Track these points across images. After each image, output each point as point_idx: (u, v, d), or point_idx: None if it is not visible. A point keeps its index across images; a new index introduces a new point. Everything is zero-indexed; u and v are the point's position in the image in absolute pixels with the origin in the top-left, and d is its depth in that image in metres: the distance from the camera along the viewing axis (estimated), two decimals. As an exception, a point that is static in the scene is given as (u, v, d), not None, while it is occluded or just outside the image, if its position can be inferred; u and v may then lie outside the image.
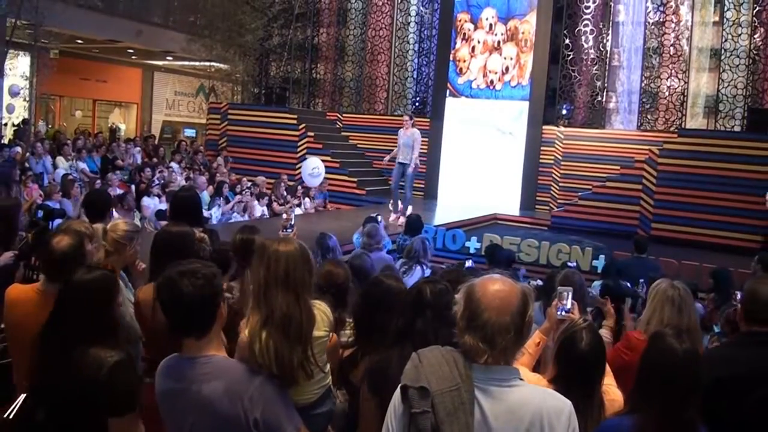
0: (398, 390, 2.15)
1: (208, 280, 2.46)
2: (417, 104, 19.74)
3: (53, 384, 2.69)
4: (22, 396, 2.91)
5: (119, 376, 2.62)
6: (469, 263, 7.04)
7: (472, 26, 17.95)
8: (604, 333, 4.49)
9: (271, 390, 2.43)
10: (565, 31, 17.08)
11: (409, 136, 12.59)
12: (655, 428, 2.65)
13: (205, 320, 2.46)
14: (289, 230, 4.55)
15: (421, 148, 18.37)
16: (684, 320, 3.64)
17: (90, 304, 2.77)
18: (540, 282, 6.93)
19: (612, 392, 3.07)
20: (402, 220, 11.50)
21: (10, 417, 2.87)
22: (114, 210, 10.23)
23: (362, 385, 3.00)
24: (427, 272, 6.77)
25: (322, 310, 3.05)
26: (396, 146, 12.94)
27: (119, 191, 12.19)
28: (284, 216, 4.76)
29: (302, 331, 2.64)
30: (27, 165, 12.86)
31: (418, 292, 3.06)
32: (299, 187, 15.53)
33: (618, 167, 15.75)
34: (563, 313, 3.39)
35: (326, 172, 16.00)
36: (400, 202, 12.83)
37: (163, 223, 11.02)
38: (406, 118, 12.84)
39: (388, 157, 13.26)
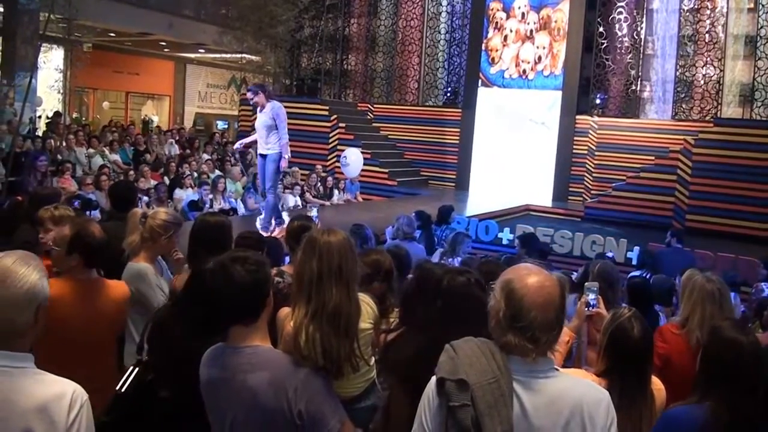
0: (432, 383, 2.10)
1: (260, 266, 2.47)
2: (449, 94, 19.65)
3: (179, 367, 2.78)
4: (134, 369, 2.99)
5: None
6: None
7: (504, 15, 17.82)
8: None
9: (316, 382, 2.40)
10: (598, 19, 16.90)
11: (267, 114, 8.90)
12: (729, 420, 2.61)
13: (255, 306, 2.45)
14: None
15: (450, 139, 18.64)
16: (725, 316, 3.60)
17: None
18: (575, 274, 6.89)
19: (656, 381, 3.02)
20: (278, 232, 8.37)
21: (122, 390, 2.94)
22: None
23: (392, 378, 2.98)
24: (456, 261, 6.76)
25: (366, 302, 3.05)
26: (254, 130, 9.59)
27: (152, 182, 12.31)
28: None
29: (350, 324, 2.61)
30: (60, 157, 13.01)
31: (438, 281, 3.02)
32: (330, 179, 15.53)
33: (652, 157, 15.56)
34: (590, 309, 3.45)
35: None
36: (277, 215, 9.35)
37: (197, 213, 11.19)
38: (250, 95, 9.08)
39: (240, 143, 10.17)
